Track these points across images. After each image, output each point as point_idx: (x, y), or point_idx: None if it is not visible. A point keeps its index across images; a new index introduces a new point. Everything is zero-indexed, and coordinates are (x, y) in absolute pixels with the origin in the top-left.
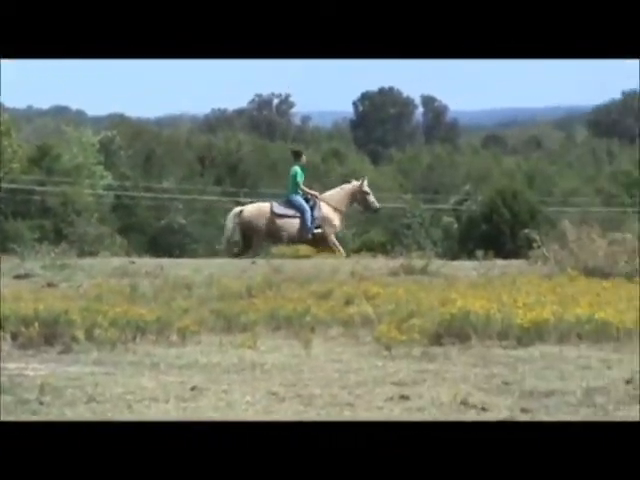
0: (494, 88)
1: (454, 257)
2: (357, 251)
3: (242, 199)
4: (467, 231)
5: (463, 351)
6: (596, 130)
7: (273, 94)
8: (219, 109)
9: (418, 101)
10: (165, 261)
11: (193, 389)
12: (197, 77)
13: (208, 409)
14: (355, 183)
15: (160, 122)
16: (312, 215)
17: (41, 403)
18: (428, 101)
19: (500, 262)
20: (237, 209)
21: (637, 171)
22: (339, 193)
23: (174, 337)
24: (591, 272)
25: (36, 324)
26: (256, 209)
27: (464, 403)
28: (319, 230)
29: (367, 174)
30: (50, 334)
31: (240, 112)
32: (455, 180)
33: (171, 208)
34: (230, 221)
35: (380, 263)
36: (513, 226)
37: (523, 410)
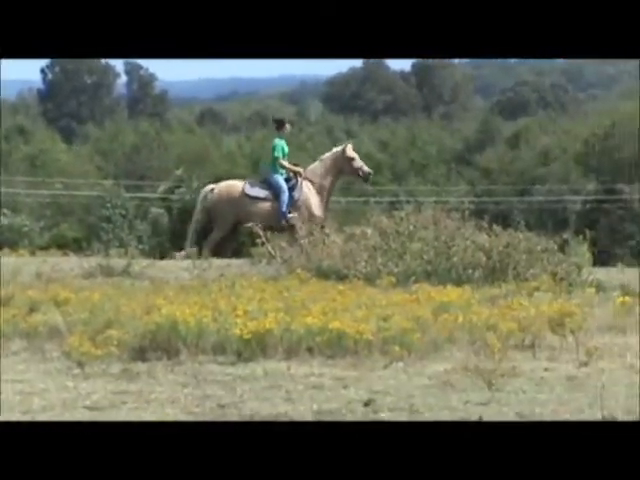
0: None
1: (164, 256)
2: (45, 248)
3: None
4: (180, 225)
5: (171, 368)
6: (332, 105)
7: None
8: None
9: (120, 69)
10: None
11: None
12: None
13: None
14: (336, 150)
15: None
16: (290, 197)
17: None
18: (132, 69)
19: (218, 261)
20: (208, 187)
21: (380, 154)
22: (319, 167)
23: None
24: (325, 274)
25: None
26: (226, 188)
27: None
28: (295, 214)
29: (58, 155)
30: None
31: None
32: (165, 163)
33: None
34: (199, 203)
35: (72, 263)
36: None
37: None
